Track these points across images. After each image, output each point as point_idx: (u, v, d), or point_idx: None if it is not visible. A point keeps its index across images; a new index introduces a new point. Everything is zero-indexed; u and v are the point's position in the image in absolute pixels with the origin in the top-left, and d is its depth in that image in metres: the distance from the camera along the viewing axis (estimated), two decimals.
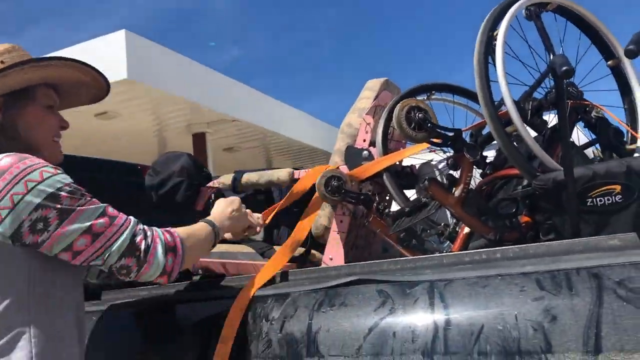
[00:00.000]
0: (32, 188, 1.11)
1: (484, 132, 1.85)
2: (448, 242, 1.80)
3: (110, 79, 1.47)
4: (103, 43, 7.25)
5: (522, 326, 1.12)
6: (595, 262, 1.16)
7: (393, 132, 1.97)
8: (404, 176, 1.97)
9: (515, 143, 1.54)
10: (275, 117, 9.44)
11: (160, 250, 1.25)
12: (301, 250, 1.98)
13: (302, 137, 10.23)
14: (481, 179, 1.78)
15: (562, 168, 1.40)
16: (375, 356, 1.21)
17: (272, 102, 9.65)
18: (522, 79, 1.65)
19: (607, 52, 1.70)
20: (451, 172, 1.64)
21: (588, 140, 1.79)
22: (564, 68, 1.21)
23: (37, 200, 1.11)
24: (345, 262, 1.82)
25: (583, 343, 1.06)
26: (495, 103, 1.54)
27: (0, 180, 1.11)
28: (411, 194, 1.97)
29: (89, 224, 1.15)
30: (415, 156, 1.94)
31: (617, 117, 1.66)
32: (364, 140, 1.94)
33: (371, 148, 1.91)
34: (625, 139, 1.68)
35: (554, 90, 1.63)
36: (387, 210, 1.78)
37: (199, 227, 1.42)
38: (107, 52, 6.95)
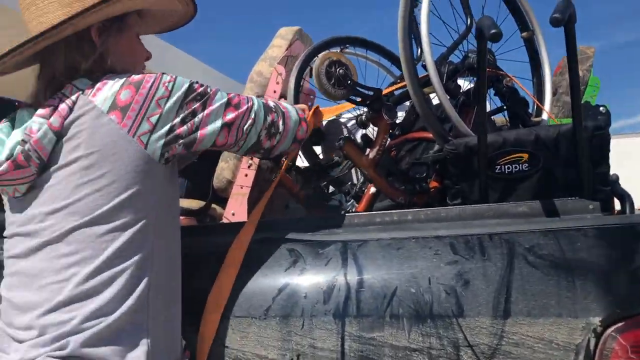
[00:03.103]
0: (172, 89, 1.13)
1: (396, 92, 1.83)
2: (352, 200, 1.78)
3: None
4: None
5: (435, 290, 1.12)
6: (507, 229, 1.18)
7: (303, 84, 1.89)
8: (312, 133, 1.91)
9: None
10: (165, 62, 8.94)
11: (287, 105, 1.33)
12: (201, 203, 1.87)
13: None
14: (389, 139, 1.77)
15: (474, 134, 1.41)
16: (285, 318, 1.16)
17: (161, 44, 9.12)
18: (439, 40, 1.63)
19: (523, 23, 1.72)
20: (365, 132, 1.60)
21: (494, 108, 1.83)
22: (493, 31, 1.17)
23: (181, 98, 1.14)
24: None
25: (493, 307, 1.08)
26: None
27: (141, 88, 1.12)
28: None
29: (226, 97, 1.20)
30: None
31: (526, 89, 1.70)
32: (275, 92, 1.84)
33: (282, 100, 1.82)
34: (530, 111, 1.73)
35: (469, 55, 1.64)
36: (294, 167, 1.72)
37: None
38: None
